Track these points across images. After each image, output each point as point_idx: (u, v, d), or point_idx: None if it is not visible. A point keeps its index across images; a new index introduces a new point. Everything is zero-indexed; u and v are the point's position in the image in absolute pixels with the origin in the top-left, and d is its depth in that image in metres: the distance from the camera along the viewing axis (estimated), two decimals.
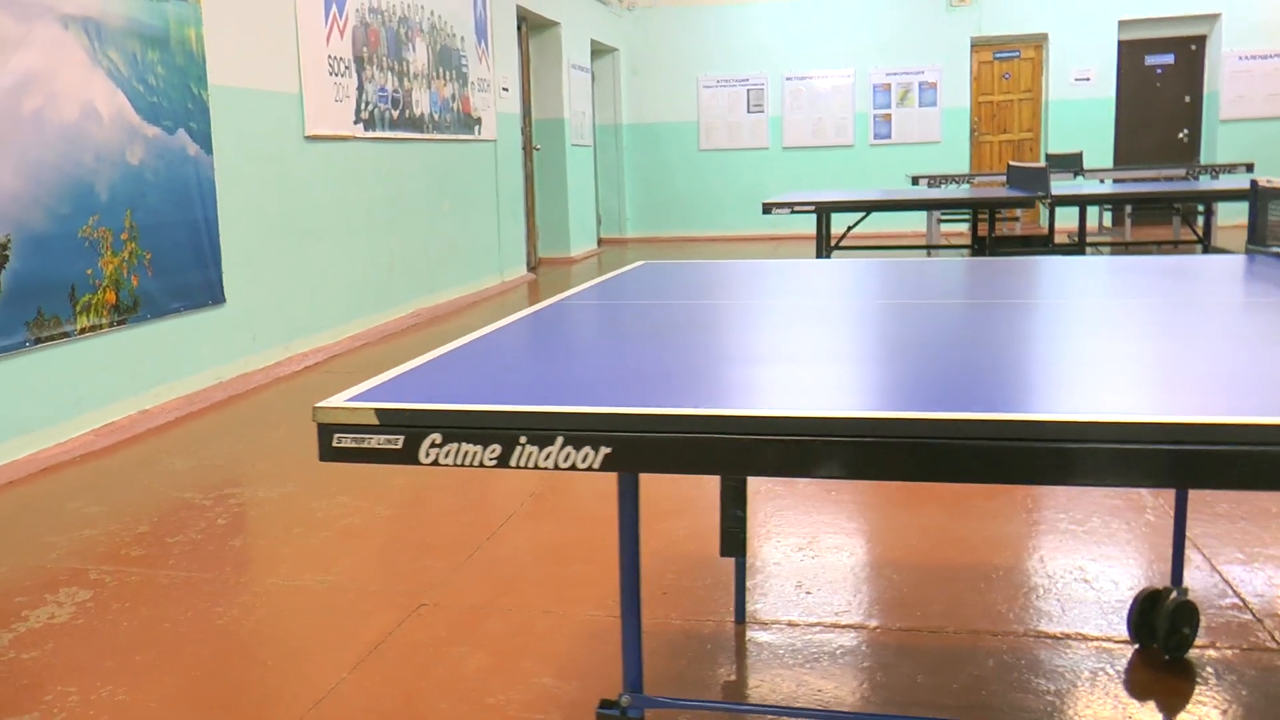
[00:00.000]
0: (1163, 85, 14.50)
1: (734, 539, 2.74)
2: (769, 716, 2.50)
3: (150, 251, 5.40)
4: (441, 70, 8.72)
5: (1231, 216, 13.91)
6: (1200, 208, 10.36)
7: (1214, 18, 13.88)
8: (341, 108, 7.22)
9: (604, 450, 1.16)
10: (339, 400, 1.31)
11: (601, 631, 2.77)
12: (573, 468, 1.16)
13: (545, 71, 11.97)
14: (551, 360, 1.56)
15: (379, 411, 1.25)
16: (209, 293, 5.83)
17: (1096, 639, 2.61)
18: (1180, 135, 14.55)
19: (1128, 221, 12.64)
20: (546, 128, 11.99)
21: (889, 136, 14.46)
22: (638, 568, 1.83)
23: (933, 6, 14.14)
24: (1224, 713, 2.25)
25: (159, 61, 5.50)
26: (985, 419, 1.13)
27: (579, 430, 1.16)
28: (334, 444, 1.26)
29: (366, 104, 7.53)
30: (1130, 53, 14.35)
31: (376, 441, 1.24)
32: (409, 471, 4.24)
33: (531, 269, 11.15)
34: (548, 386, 1.37)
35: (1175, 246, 10.47)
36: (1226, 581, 2.92)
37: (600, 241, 14.84)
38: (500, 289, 9.88)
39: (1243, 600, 2.79)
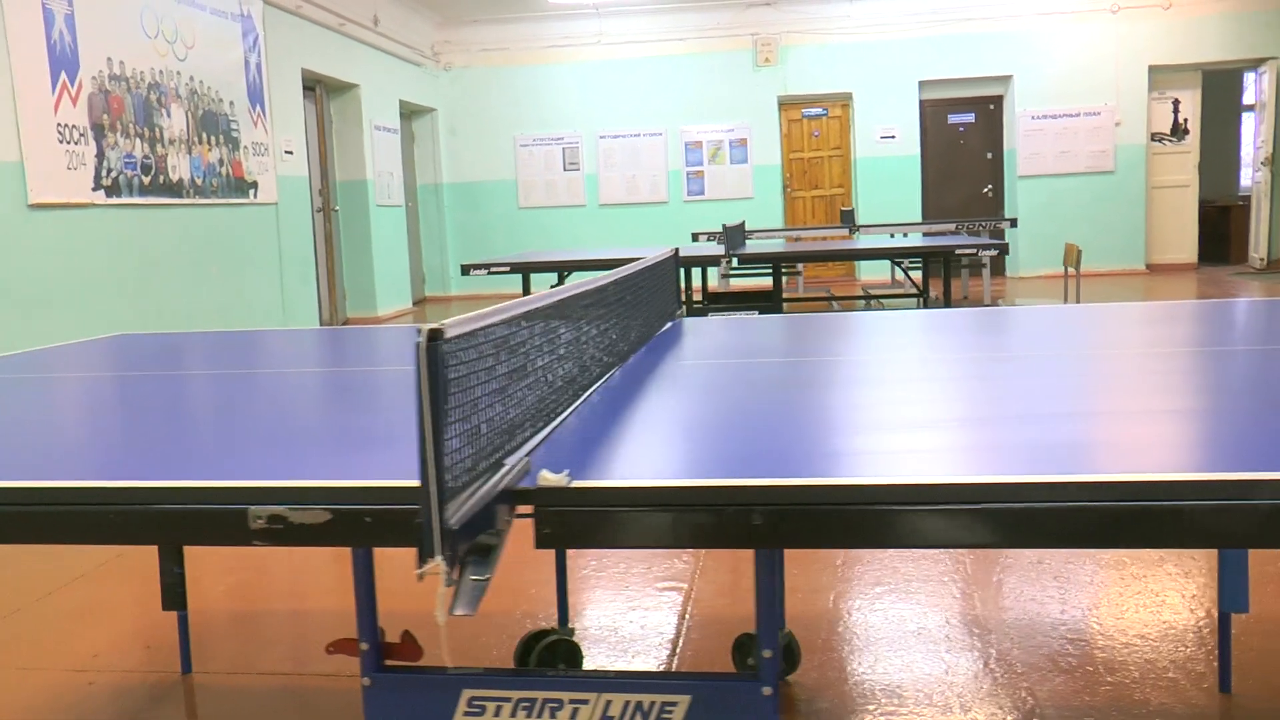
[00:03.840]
0: (966, 143, 15.12)
1: (173, 594, 2.92)
2: None
3: None
4: (205, 135, 8.86)
5: (1038, 266, 14.55)
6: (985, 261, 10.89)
7: (1007, 79, 14.55)
8: (76, 175, 7.31)
9: None
10: None
11: (50, 687, 2.93)
12: None
13: (346, 133, 12.16)
14: None
15: None
16: None
17: None
18: (985, 190, 15.16)
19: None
20: (350, 189, 12.16)
21: (702, 193, 14.87)
22: None
23: (740, 66, 14.63)
24: None
25: None
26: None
27: None
28: None
29: (109, 171, 7.63)
30: (933, 111, 14.97)
31: None
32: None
33: None
34: None
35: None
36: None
37: (424, 300, 15.01)
38: None
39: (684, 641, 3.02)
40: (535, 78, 14.95)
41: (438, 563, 1.06)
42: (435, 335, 1.08)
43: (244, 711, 2.75)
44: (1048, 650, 2.89)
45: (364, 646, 1.50)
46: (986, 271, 10.87)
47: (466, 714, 1.49)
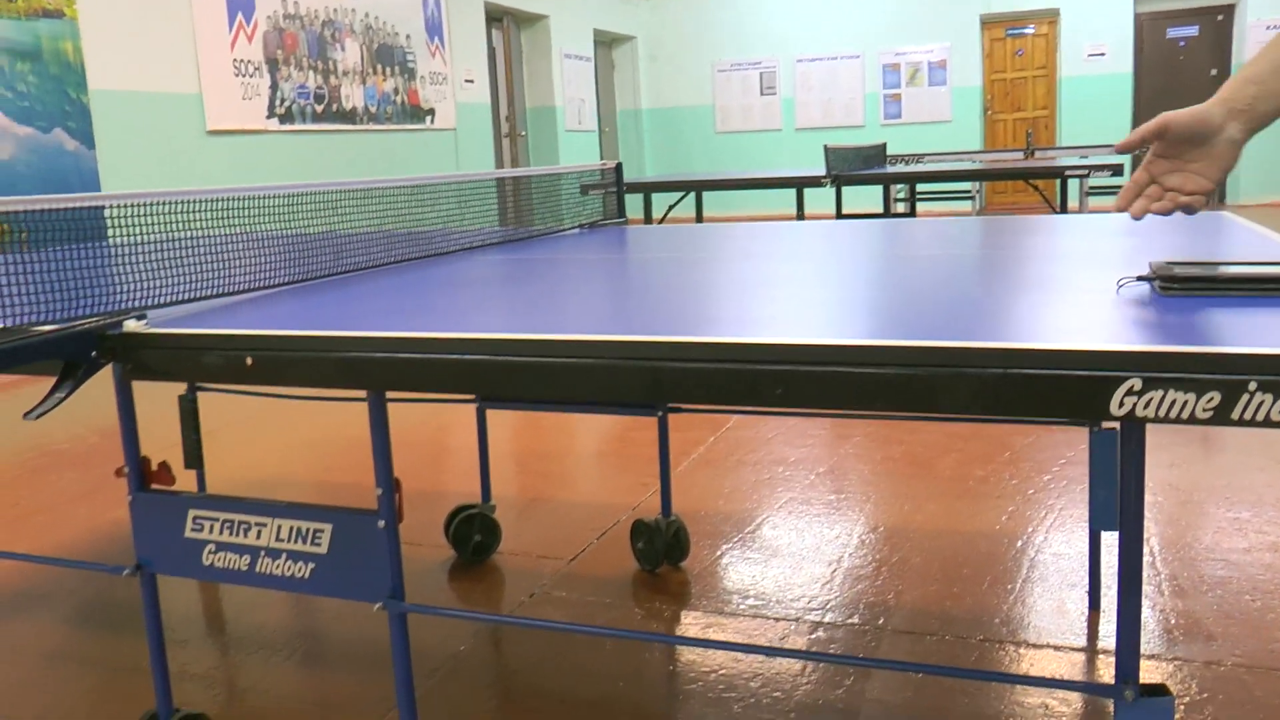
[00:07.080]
0: (1186, 59, 14.24)
1: (192, 454, 3.38)
2: None
3: (26, 231, 6.27)
4: (380, 66, 9.45)
5: (1260, 193, 13.66)
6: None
7: None
8: (251, 105, 8.00)
9: None
10: None
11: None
12: None
13: (535, 61, 12.62)
14: None
15: None
16: None
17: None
18: None
19: None
20: (539, 115, 12.64)
21: (899, 116, 14.62)
22: None
23: None
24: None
25: (30, 72, 6.36)
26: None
27: None
28: None
29: (282, 100, 8.29)
30: (1151, 25, 14.16)
31: None
32: None
33: None
34: None
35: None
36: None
37: None
38: None
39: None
40: (733, 3, 15.00)
41: None
42: None
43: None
44: (941, 558, 2.99)
45: (126, 471, 1.85)
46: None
47: (193, 527, 1.82)
